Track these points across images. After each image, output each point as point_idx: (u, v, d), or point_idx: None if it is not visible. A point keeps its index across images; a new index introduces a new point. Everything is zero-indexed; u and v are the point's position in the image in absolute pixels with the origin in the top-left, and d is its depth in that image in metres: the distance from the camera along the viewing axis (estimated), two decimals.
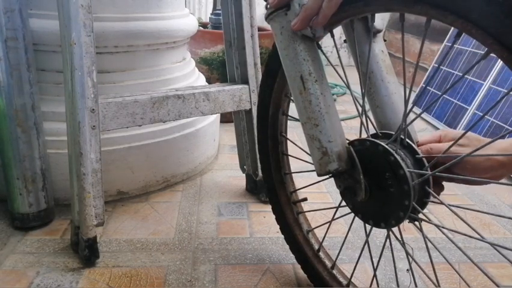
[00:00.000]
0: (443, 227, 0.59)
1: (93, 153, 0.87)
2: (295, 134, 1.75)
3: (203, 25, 2.02)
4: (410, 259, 0.68)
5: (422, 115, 2.07)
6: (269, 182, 0.91)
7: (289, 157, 0.90)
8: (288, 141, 0.88)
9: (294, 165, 0.91)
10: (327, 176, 0.64)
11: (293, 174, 0.90)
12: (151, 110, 0.96)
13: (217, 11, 1.96)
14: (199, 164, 1.37)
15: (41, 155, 1.00)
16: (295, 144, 0.86)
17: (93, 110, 0.86)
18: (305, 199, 0.89)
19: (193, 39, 1.64)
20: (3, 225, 1.03)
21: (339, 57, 0.70)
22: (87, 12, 0.82)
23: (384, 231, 0.67)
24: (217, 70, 1.80)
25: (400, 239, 0.68)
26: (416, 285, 0.85)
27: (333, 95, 2.39)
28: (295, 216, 0.88)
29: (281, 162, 0.89)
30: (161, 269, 0.91)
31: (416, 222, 0.62)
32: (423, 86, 2.22)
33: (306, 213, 0.89)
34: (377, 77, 0.66)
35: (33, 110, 0.97)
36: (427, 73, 2.29)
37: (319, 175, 0.63)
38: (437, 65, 2.21)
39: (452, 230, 0.63)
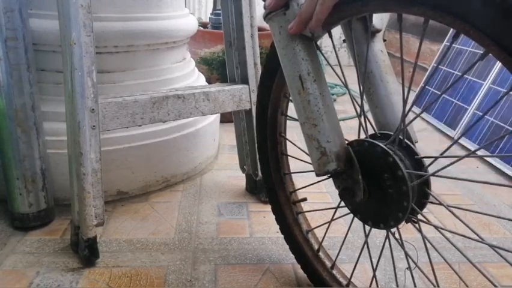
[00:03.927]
0: (442, 228, 0.59)
1: (93, 153, 0.87)
2: (294, 134, 1.75)
3: (203, 25, 2.02)
4: (410, 260, 0.68)
5: (422, 115, 2.07)
6: (269, 182, 0.91)
7: (289, 157, 0.90)
8: (287, 141, 0.88)
9: (293, 165, 0.91)
10: (326, 176, 0.64)
11: (293, 175, 0.91)
12: (151, 110, 0.96)
13: (217, 11, 1.96)
14: (199, 164, 1.37)
15: (41, 155, 1.00)
16: (295, 145, 0.86)
17: (93, 110, 0.86)
18: (305, 199, 0.89)
19: (193, 39, 1.64)
20: (3, 225, 1.03)
21: (337, 57, 0.70)
22: (87, 12, 0.82)
23: (384, 231, 0.67)
24: (217, 70, 1.80)
25: (399, 240, 0.68)
26: (415, 285, 0.85)
27: (332, 95, 2.40)
28: (295, 216, 0.88)
29: (280, 163, 0.89)
30: (161, 269, 0.91)
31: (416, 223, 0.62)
32: (423, 85, 2.22)
33: (306, 213, 0.90)
34: (376, 77, 0.66)
35: (33, 110, 0.97)
36: (427, 73, 2.29)
37: (318, 175, 0.63)
38: (436, 65, 2.21)
39: (451, 231, 0.63)
